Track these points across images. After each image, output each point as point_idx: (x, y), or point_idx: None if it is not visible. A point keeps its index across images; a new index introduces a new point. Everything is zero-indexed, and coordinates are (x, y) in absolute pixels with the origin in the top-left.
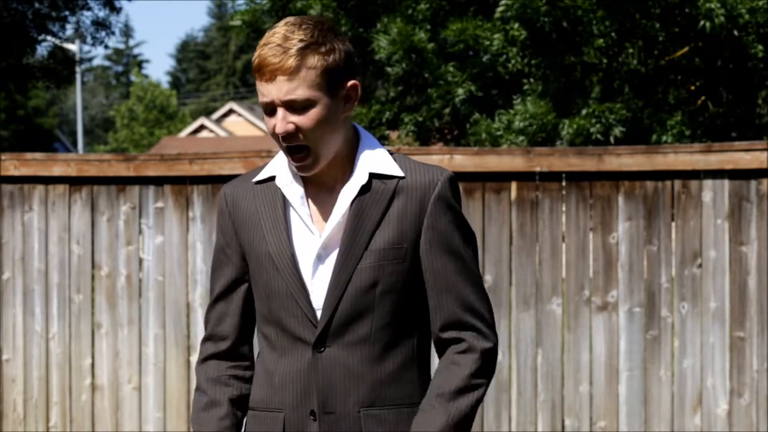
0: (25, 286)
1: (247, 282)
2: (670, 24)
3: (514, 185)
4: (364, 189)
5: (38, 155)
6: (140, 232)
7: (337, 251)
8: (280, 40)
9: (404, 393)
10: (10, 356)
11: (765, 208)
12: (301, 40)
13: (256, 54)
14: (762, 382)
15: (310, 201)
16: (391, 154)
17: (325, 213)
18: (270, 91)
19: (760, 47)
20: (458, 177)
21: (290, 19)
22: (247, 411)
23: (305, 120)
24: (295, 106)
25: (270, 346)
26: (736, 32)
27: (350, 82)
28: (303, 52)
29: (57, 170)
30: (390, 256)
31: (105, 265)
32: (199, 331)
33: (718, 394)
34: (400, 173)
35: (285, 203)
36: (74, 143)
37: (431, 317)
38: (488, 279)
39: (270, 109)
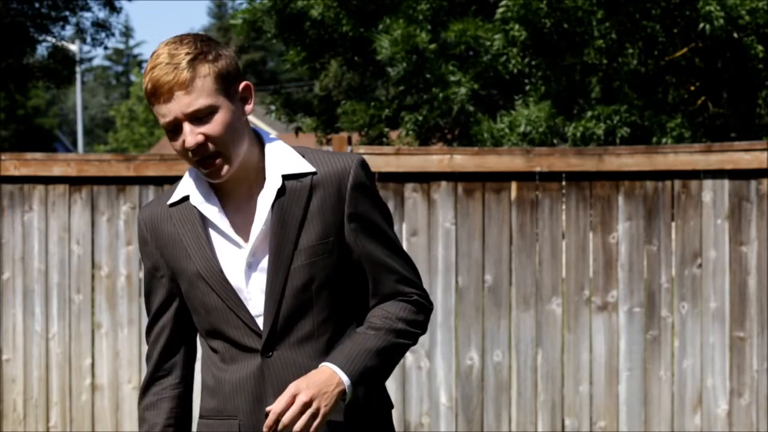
0: (25, 286)
1: (177, 300)
2: (670, 25)
3: (514, 185)
4: (281, 192)
5: (38, 155)
6: None
7: (266, 257)
8: (167, 58)
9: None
10: (10, 356)
11: (765, 208)
12: (187, 53)
13: (146, 80)
14: (762, 382)
15: (228, 213)
16: (298, 149)
17: (246, 222)
18: (171, 109)
19: (760, 48)
20: (458, 177)
21: (168, 39)
22: (183, 426)
23: (212, 127)
24: (200, 116)
25: (219, 357)
26: (735, 34)
27: (242, 83)
28: (193, 64)
29: (57, 170)
30: (319, 251)
31: (105, 265)
32: None
33: (718, 394)
34: (312, 168)
35: (204, 221)
36: (74, 143)
37: (371, 297)
38: (488, 279)
39: (173, 128)
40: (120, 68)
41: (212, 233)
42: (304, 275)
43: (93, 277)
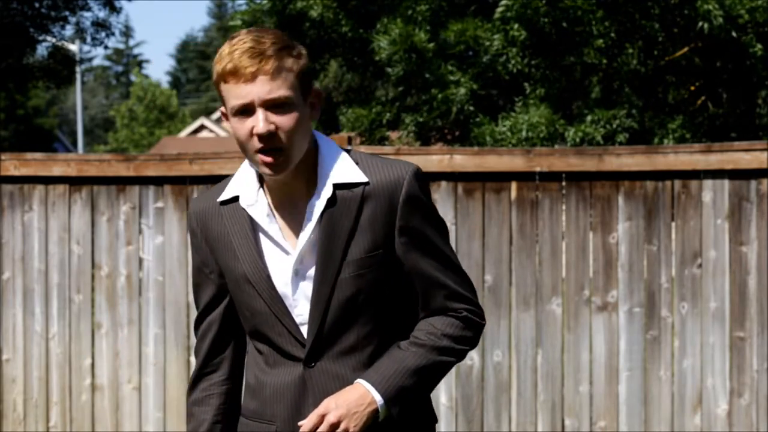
0: (25, 286)
1: (227, 297)
2: (669, 24)
3: (514, 185)
4: (331, 201)
5: (38, 155)
6: (140, 232)
7: (314, 267)
8: (253, 43)
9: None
10: (10, 356)
11: (765, 208)
12: (274, 43)
13: (226, 60)
14: (762, 382)
15: (278, 217)
16: (349, 152)
17: (294, 228)
18: (251, 91)
19: (760, 47)
20: (458, 177)
21: (249, 29)
22: (231, 422)
23: (285, 120)
24: (276, 106)
25: (262, 358)
26: (734, 33)
27: (315, 89)
28: (280, 54)
29: (57, 170)
30: (367, 264)
31: (105, 265)
32: None
33: (718, 394)
34: (364, 178)
35: (253, 223)
36: (74, 143)
37: (421, 311)
38: (488, 279)
39: (244, 111)
40: (120, 68)
41: (261, 237)
42: (351, 287)
43: (93, 277)
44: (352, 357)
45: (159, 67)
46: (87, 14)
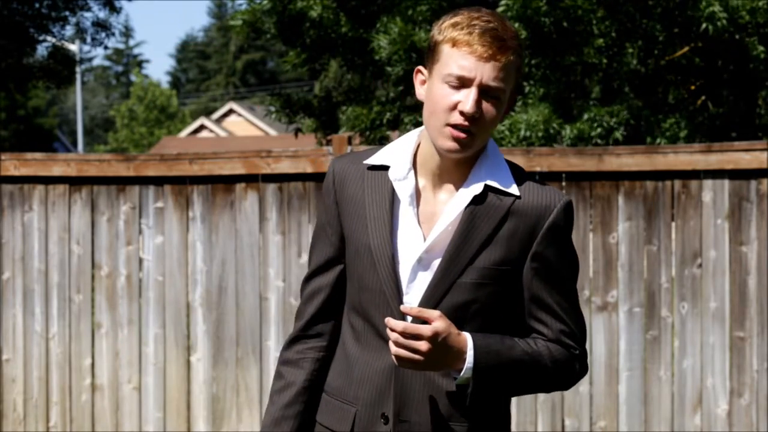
0: (25, 286)
1: (342, 264)
2: (670, 24)
3: None
4: (478, 200)
5: (38, 155)
6: (140, 232)
7: (439, 259)
8: (498, 26)
9: (480, 410)
10: (10, 356)
11: (765, 208)
12: (514, 38)
13: (463, 30)
14: (762, 382)
15: (420, 199)
16: (515, 169)
17: (434, 215)
18: (479, 68)
19: (761, 48)
20: None
21: (488, 10)
22: (319, 392)
23: (489, 110)
24: (490, 95)
25: (355, 336)
26: (737, 36)
27: (515, 94)
28: (516, 51)
29: (57, 170)
30: (492, 276)
31: (105, 265)
32: (199, 331)
33: (718, 394)
34: (517, 192)
35: (394, 197)
36: (74, 143)
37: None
38: None
39: (459, 84)
40: (120, 68)
41: (399, 213)
42: (467, 293)
43: (93, 277)
44: None
45: (159, 67)
46: (87, 14)
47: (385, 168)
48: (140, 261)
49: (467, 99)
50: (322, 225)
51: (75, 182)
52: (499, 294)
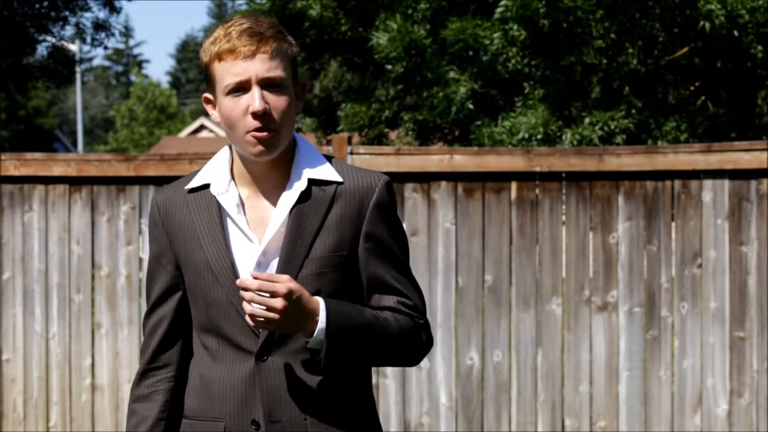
0: (25, 286)
1: (181, 291)
2: (670, 24)
3: (514, 185)
4: (304, 196)
5: (38, 155)
6: (140, 232)
7: (277, 259)
8: (252, 24)
9: (349, 399)
10: (10, 356)
11: (765, 208)
12: (271, 26)
13: (221, 42)
14: (762, 382)
15: (246, 208)
16: (329, 159)
17: (263, 219)
18: (249, 68)
19: (760, 47)
20: (458, 177)
21: (241, 15)
22: (176, 422)
23: (280, 101)
24: (272, 86)
25: (209, 355)
26: (735, 33)
27: (300, 80)
28: (278, 37)
29: (57, 170)
30: (330, 263)
31: (105, 265)
32: None
33: (718, 394)
34: (339, 178)
35: (221, 211)
36: (74, 143)
37: None
38: (488, 279)
39: (239, 88)
40: (120, 68)
41: (228, 225)
42: (311, 285)
43: (93, 277)
44: (305, 355)
45: (159, 67)
46: (87, 14)
47: (206, 187)
48: (140, 261)
49: (252, 99)
50: (156, 258)
51: (75, 182)
52: (341, 281)
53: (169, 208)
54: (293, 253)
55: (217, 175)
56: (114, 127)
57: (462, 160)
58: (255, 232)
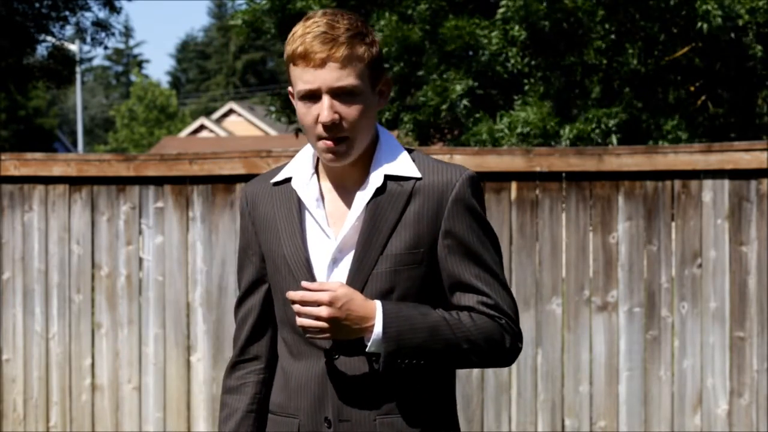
0: (25, 286)
1: (266, 283)
2: (669, 24)
3: (514, 185)
4: (380, 191)
5: (38, 155)
6: (140, 232)
7: (351, 255)
8: (326, 28)
9: (419, 400)
10: (10, 356)
11: (765, 208)
12: (347, 29)
13: (297, 43)
14: (762, 382)
15: (326, 203)
16: (411, 152)
17: (342, 215)
18: (319, 77)
19: (759, 48)
20: None
21: (325, 10)
22: (265, 414)
23: (351, 110)
24: (343, 94)
25: (288, 350)
26: (733, 34)
27: (385, 77)
28: (352, 41)
29: (57, 170)
30: (406, 261)
31: (105, 265)
32: (198, 331)
33: (718, 394)
34: (417, 174)
35: (300, 206)
36: (74, 143)
37: None
38: None
39: (310, 96)
40: (120, 68)
41: (307, 220)
42: (385, 282)
43: (93, 277)
44: (377, 354)
45: (159, 67)
46: (87, 14)
47: (290, 180)
48: (140, 261)
49: (322, 110)
50: (244, 248)
51: (75, 182)
52: (418, 278)
53: (256, 200)
54: (368, 249)
55: (301, 168)
56: (114, 127)
57: (462, 160)
58: (333, 228)
